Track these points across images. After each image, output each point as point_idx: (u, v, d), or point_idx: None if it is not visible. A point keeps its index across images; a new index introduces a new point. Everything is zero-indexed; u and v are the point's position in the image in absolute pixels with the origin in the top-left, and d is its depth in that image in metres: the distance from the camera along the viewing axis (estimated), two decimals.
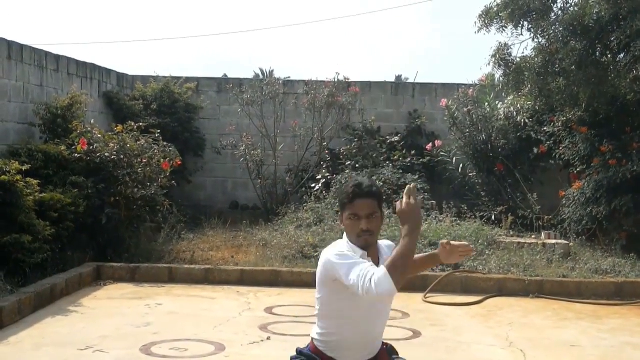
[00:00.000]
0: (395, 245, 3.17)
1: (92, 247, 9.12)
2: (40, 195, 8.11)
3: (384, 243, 3.48)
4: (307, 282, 7.96)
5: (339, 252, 3.25)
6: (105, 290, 8.26)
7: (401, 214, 3.17)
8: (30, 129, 9.97)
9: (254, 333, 6.55)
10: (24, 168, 8.02)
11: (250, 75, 20.08)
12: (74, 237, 8.76)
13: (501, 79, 10.55)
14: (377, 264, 3.23)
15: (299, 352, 3.44)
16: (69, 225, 8.50)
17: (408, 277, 3.28)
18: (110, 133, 9.85)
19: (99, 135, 9.52)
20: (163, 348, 6.03)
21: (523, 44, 10.15)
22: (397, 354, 3.52)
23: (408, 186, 3.26)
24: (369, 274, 3.04)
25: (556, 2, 10.00)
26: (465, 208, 11.60)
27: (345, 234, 3.35)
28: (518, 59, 10.05)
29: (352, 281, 3.08)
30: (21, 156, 8.69)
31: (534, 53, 9.95)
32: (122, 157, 9.32)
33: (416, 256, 3.48)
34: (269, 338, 6.43)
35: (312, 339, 3.42)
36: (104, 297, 7.93)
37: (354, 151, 13.09)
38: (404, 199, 3.19)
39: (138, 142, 9.63)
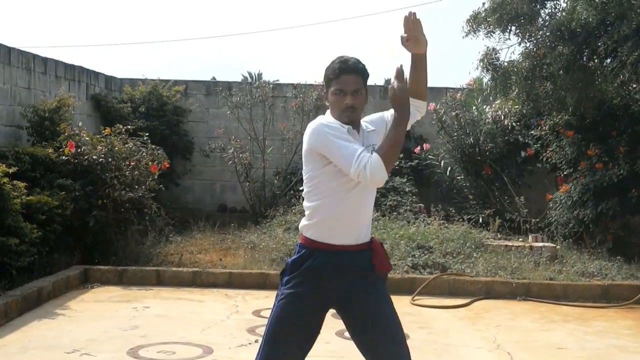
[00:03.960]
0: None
1: (79, 249, 9.10)
2: (27, 197, 8.08)
3: (365, 121, 3.48)
4: None
5: (328, 122, 3.28)
6: (92, 293, 8.23)
7: (395, 100, 3.23)
8: (17, 132, 9.93)
9: (241, 336, 6.55)
10: (10, 170, 7.98)
11: (239, 79, 20.09)
12: (61, 240, 8.73)
13: (489, 83, 10.60)
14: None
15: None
16: (56, 227, 8.47)
17: (422, 94, 3.50)
18: (98, 136, 9.83)
19: (87, 138, 9.49)
20: (150, 351, 6.01)
21: (511, 48, 10.17)
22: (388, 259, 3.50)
23: (397, 67, 3.26)
24: (363, 160, 3.11)
25: (544, 7, 10.05)
26: (453, 211, 11.65)
27: (328, 110, 3.38)
28: (505, 64, 10.10)
29: (345, 160, 3.14)
30: (8, 159, 8.66)
31: (521, 57, 9.99)
32: (109, 159, 9.30)
33: (409, 79, 3.44)
34: (256, 341, 6.42)
35: (301, 232, 3.41)
36: (91, 300, 7.90)
37: None
38: (396, 83, 3.23)
39: (126, 145, 9.61)
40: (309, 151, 3.33)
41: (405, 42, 3.44)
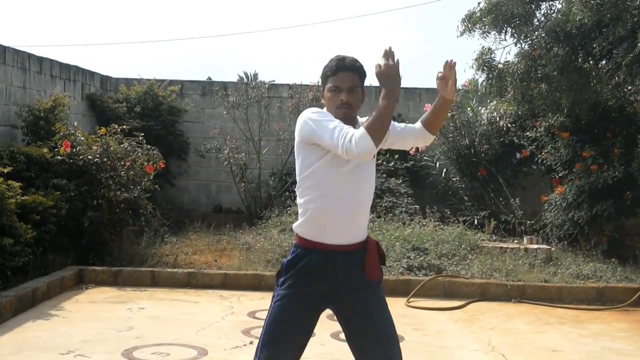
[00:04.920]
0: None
1: (74, 250, 9.07)
2: (22, 197, 8.05)
3: (362, 120, 3.46)
4: None
5: (316, 110, 3.33)
6: (87, 294, 8.21)
7: (380, 75, 3.18)
8: (12, 131, 9.90)
9: (236, 337, 6.54)
10: (5, 170, 7.97)
11: (235, 79, 20.04)
12: (55, 240, 8.71)
13: (484, 83, 10.61)
14: None
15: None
16: (51, 228, 8.45)
17: (435, 130, 3.55)
18: (93, 136, 9.80)
19: (82, 138, 9.47)
20: (145, 352, 6.00)
21: (506, 49, 10.18)
22: (384, 257, 3.49)
23: (385, 48, 3.24)
24: (349, 134, 3.12)
25: (539, 9, 10.06)
26: (448, 212, 11.66)
27: (324, 108, 3.39)
28: (501, 65, 10.11)
29: (332, 140, 3.15)
30: (3, 158, 8.63)
31: (516, 58, 10.00)
32: (105, 159, 9.28)
33: (428, 112, 3.61)
34: (251, 342, 6.41)
35: (295, 233, 3.41)
36: (86, 301, 7.89)
37: None
38: (383, 61, 3.20)
39: (121, 145, 9.59)
40: (299, 143, 3.35)
41: (439, 79, 3.52)
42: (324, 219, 3.30)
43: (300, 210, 3.39)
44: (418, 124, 3.66)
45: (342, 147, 3.12)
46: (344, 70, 3.33)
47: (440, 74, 3.49)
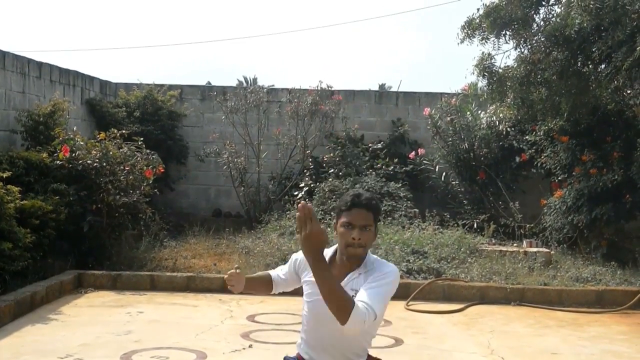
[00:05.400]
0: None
1: (73, 254, 9.07)
2: (21, 202, 8.05)
3: (379, 260, 3.33)
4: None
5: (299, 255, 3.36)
6: (86, 298, 8.20)
7: (305, 240, 2.89)
8: (11, 136, 9.91)
9: (236, 341, 6.53)
10: (5, 175, 7.97)
11: (234, 83, 20.08)
12: (55, 245, 8.71)
13: (485, 88, 10.61)
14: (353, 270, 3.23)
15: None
16: (50, 232, 8.45)
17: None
18: (92, 140, 9.81)
19: (82, 143, 9.47)
20: (144, 356, 6.00)
21: (506, 53, 10.19)
22: None
23: (303, 205, 2.88)
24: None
25: (538, 13, 10.07)
26: (448, 216, 11.67)
27: (337, 245, 3.31)
28: (501, 69, 10.11)
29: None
30: (2, 163, 8.63)
31: (516, 63, 10.01)
32: (104, 164, 9.28)
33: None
34: (250, 346, 6.42)
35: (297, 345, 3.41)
36: (85, 305, 7.88)
37: (337, 159, 13.11)
38: (307, 224, 2.88)
39: (121, 150, 9.60)
40: None
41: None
42: (311, 346, 3.30)
43: (300, 335, 3.41)
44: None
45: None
46: (358, 207, 3.23)
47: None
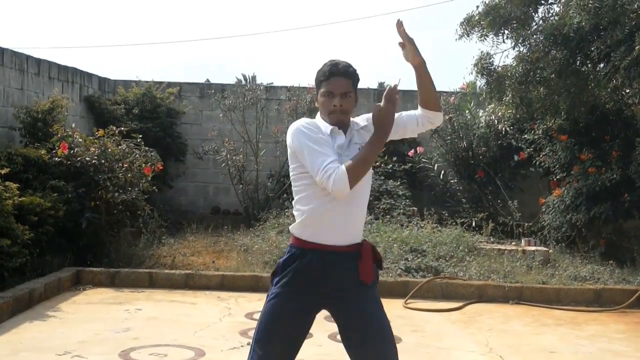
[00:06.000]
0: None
1: (71, 251, 9.06)
2: (20, 199, 8.04)
3: (358, 119, 3.49)
4: None
5: (307, 123, 3.35)
6: (84, 295, 8.20)
7: (377, 118, 3.28)
8: (10, 133, 9.90)
9: (234, 338, 6.54)
10: (3, 172, 7.96)
11: (233, 81, 20.07)
12: (53, 242, 8.70)
13: (483, 87, 10.61)
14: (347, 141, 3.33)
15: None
16: (49, 229, 8.44)
17: (432, 104, 3.52)
18: (91, 137, 9.81)
19: (80, 140, 9.46)
20: (142, 353, 6.00)
21: (504, 52, 10.19)
22: (380, 261, 3.48)
23: (389, 87, 3.31)
24: (329, 170, 3.17)
25: (537, 11, 10.07)
26: (446, 214, 11.67)
27: (319, 113, 3.42)
28: (500, 68, 10.11)
29: (312, 168, 3.22)
30: (0, 160, 8.62)
31: (515, 62, 10.01)
32: (103, 161, 9.28)
33: (418, 91, 3.54)
34: (249, 343, 6.39)
35: (291, 233, 3.43)
36: (83, 302, 7.88)
37: None
38: (384, 102, 3.28)
39: (119, 147, 9.59)
40: (292, 153, 3.38)
41: (401, 48, 3.50)
42: (319, 224, 3.32)
43: (296, 213, 3.41)
44: (418, 109, 3.61)
45: (319, 180, 3.18)
46: (337, 76, 3.34)
47: (400, 43, 3.49)
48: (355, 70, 3.43)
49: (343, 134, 3.35)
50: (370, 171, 3.45)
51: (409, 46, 3.45)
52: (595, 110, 10.68)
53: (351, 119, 3.45)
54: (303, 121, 3.37)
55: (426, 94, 3.55)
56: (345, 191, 3.16)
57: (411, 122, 3.59)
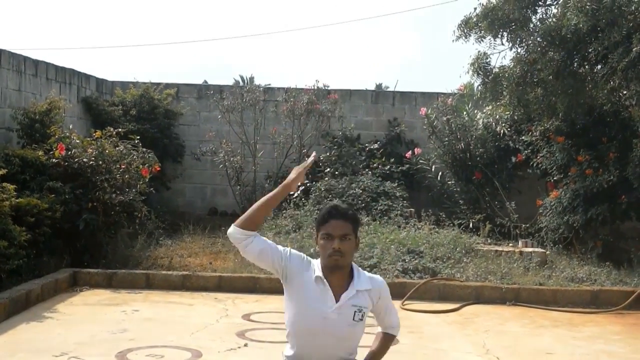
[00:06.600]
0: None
1: (68, 252, 9.06)
2: (17, 200, 8.04)
3: (365, 274, 3.40)
4: None
5: (303, 255, 3.43)
6: (81, 296, 8.19)
7: (292, 180, 3.43)
8: (7, 134, 9.89)
9: (231, 340, 6.53)
10: (0, 173, 7.95)
11: (231, 82, 20.07)
12: (50, 243, 8.69)
13: (480, 88, 10.62)
14: (344, 287, 3.28)
15: None
16: (46, 230, 8.44)
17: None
18: (88, 138, 9.80)
19: (77, 141, 9.46)
20: (139, 354, 5.99)
21: (502, 53, 10.18)
22: None
23: (310, 160, 3.52)
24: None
25: (535, 13, 10.07)
26: (444, 216, 11.66)
27: (320, 258, 3.34)
28: (496, 69, 10.12)
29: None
30: None
31: (512, 63, 10.02)
32: (100, 162, 9.27)
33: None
34: (246, 345, 6.42)
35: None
36: (80, 303, 7.87)
37: (333, 158, 13.12)
38: (300, 169, 3.47)
39: (117, 148, 9.59)
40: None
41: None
42: (301, 354, 3.35)
43: (286, 351, 3.44)
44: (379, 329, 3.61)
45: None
46: (336, 218, 3.29)
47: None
48: (355, 214, 3.38)
49: (328, 287, 3.28)
50: (355, 328, 3.32)
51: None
52: (592, 111, 10.70)
53: (360, 270, 3.40)
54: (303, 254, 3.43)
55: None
56: (232, 234, 3.36)
57: (379, 319, 3.58)
